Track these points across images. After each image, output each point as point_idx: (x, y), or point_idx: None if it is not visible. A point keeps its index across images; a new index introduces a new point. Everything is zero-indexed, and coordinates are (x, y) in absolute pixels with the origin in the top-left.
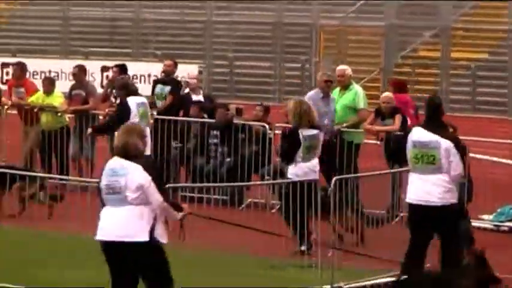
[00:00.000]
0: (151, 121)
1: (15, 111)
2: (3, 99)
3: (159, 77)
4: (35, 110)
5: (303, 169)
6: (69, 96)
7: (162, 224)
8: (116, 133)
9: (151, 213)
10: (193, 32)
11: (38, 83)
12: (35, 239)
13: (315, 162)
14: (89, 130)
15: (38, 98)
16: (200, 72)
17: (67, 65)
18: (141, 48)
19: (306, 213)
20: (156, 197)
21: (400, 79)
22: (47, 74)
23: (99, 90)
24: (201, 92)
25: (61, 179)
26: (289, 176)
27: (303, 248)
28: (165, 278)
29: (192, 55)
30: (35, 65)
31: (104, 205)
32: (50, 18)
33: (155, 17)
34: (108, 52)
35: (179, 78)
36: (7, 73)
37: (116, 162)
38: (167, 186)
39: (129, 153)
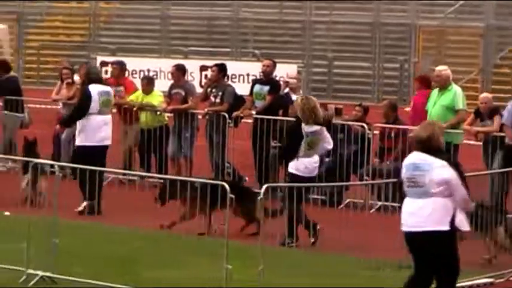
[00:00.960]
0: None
1: (114, 110)
2: None
3: (258, 76)
4: (134, 109)
5: (305, 164)
6: (169, 95)
7: (462, 212)
8: (418, 127)
9: (452, 204)
10: (293, 32)
11: (137, 82)
12: (138, 236)
13: (316, 159)
14: (57, 126)
15: (137, 97)
16: (299, 72)
17: (166, 64)
18: (240, 48)
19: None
20: (461, 191)
21: (425, 75)
22: (146, 73)
23: (198, 90)
24: (301, 91)
25: (160, 178)
26: (289, 170)
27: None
28: (456, 267)
29: (291, 55)
30: (134, 63)
31: (404, 197)
32: (150, 17)
33: (254, 17)
34: (207, 51)
35: (278, 78)
36: (106, 72)
37: (419, 157)
38: (266, 185)
39: (432, 148)
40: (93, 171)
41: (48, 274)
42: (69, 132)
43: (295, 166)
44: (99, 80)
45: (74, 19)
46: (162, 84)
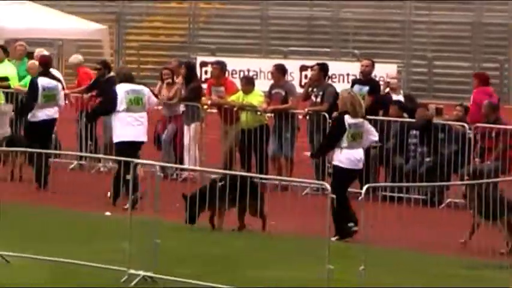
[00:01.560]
0: None
1: (215, 110)
2: (203, 98)
3: (358, 76)
4: (235, 109)
5: (348, 156)
6: (269, 95)
7: None
8: None
9: None
10: (392, 32)
11: (237, 82)
12: (240, 236)
13: (360, 152)
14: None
15: (238, 97)
16: (399, 72)
17: (266, 64)
18: (339, 48)
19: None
20: None
21: (483, 73)
22: (246, 73)
23: (299, 90)
24: (401, 91)
25: (261, 179)
26: (333, 162)
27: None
28: None
29: (390, 55)
30: (234, 64)
31: None
32: (249, 17)
33: (354, 17)
34: (306, 51)
35: (377, 78)
36: (206, 72)
37: None
38: (367, 186)
39: None
40: None
41: (149, 274)
42: (170, 132)
43: (338, 158)
44: (131, 79)
45: (173, 19)
46: (262, 84)
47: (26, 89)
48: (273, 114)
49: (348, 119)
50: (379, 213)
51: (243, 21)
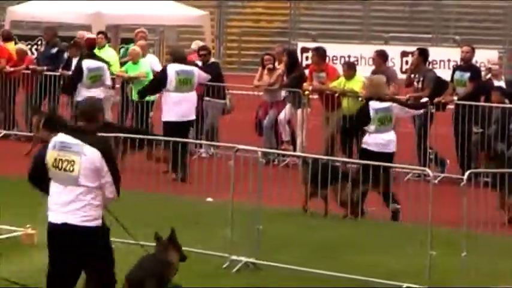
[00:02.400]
0: None
1: (316, 96)
2: (304, 84)
3: (459, 62)
4: (336, 95)
5: (376, 140)
6: None
7: None
8: None
9: None
10: (494, 18)
11: (338, 67)
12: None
13: (390, 135)
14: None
15: (339, 83)
16: (500, 58)
17: (367, 50)
18: (441, 34)
19: None
20: None
21: None
22: (347, 59)
23: (400, 76)
24: (503, 77)
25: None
26: (362, 145)
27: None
28: None
29: (492, 40)
30: (335, 50)
31: None
32: (350, 3)
33: (456, 2)
34: (407, 37)
35: (478, 64)
36: (306, 58)
37: None
38: (469, 172)
39: None
40: None
41: (252, 260)
42: (272, 118)
43: (366, 141)
44: (183, 60)
45: (275, 5)
46: (363, 70)
47: (128, 74)
48: None
49: (373, 105)
50: (481, 199)
51: (344, 7)
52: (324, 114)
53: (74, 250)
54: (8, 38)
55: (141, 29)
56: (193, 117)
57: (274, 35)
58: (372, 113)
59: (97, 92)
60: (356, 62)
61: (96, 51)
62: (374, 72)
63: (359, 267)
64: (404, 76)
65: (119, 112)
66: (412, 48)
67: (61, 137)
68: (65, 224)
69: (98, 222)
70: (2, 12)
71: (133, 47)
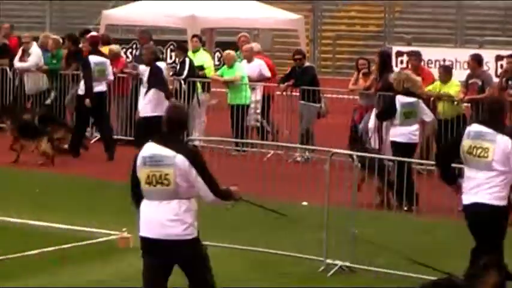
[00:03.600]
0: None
1: None
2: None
3: None
4: (432, 99)
5: (402, 131)
6: (466, 85)
7: None
8: None
9: None
10: None
11: (434, 71)
12: (442, 226)
13: (414, 128)
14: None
15: (434, 87)
16: None
17: (461, 54)
18: None
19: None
20: None
21: None
22: (441, 63)
23: (495, 80)
24: None
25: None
26: (390, 138)
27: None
28: None
29: None
30: (430, 53)
31: None
32: (445, 7)
33: None
34: (503, 41)
35: None
36: (401, 62)
37: None
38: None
39: None
40: None
41: (347, 264)
42: (367, 121)
43: (393, 133)
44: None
45: (369, 9)
46: (458, 74)
47: (223, 78)
48: (470, 104)
49: (400, 99)
50: None
51: (438, 10)
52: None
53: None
54: (107, 42)
55: (243, 33)
56: None
57: (369, 38)
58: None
59: (102, 86)
60: (451, 66)
61: (190, 54)
62: (469, 76)
63: (456, 272)
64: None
65: None
66: (506, 52)
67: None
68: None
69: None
70: (97, 16)
71: (228, 51)
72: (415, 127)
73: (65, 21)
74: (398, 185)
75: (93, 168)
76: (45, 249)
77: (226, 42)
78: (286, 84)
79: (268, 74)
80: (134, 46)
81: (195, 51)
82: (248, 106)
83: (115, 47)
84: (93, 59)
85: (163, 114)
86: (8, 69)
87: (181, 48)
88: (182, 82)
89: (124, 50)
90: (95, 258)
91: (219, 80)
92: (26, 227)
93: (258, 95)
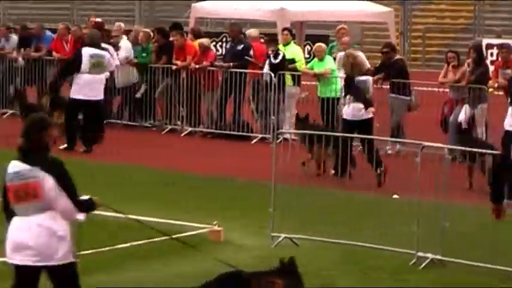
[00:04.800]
0: None
1: (501, 93)
2: (490, 81)
3: None
4: None
5: (355, 108)
6: None
7: None
8: None
9: None
10: None
11: None
12: None
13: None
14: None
15: None
16: None
17: None
18: None
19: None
20: None
21: None
22: None
23: None
24: None
25: None
26: (343, 114)
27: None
28: None
29: None
30: None
31: None
32: None
33: None
34: None
35: None
36: (491, 54)
37: None
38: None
39: None
40: None
41: (438, 257)
42: (457, 114)
43: (347, 111)
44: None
45: (459, 2)
46: None
47: (313, 71)
48: None
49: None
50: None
51: None
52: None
53: None
54: (198, 35)
55: (342, 25)
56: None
57: (458, 31)
58: None
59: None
60: None
61: (281, 47)
62: None
63: None
64: None
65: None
66: None
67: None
68: None
69: None
70: (186, 9)
71: (319, 44)
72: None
73: (155, 15)
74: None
75: (177, 160)
76: (136, 243)
77: (316, 35)
78: (376, 77)
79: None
80: (224, 39)
81: (285, 44)
82: (338, 99)
83: (205, 41)
84: (88, 51)
85: None
86: None
87: (272, 40)
88: (272, 75)
89: (214, 43)
90: (185, 251)
91: (309, 73)
92: (113, 220)
93: None
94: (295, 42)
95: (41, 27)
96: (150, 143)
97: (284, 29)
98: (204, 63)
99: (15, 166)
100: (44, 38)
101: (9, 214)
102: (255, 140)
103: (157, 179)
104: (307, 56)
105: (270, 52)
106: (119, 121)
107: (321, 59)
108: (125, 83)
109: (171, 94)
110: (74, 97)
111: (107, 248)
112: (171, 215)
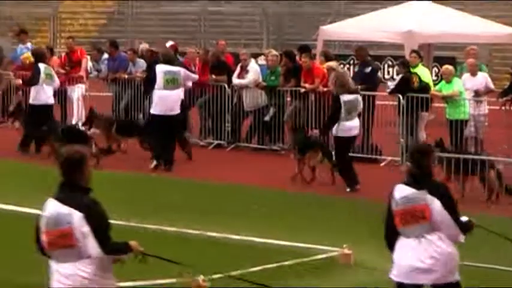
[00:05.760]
0: None
1: None
2: None
3: None
4: None
5: (346, 126)
6: None
7: None
8: None
9: None
10: None
11: None
12: None
13: (356, 121)
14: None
15: None
16: None
17: None
18: None
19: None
20: None
21: None
22: None
23: None
24: None
25: None
26: (333, 132)
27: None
28: None
29: None
30: None
31: None
32: None
33: None
34: None
35: None
36: None
37: None
38: None
39: None
40: None
41: None
42: None
43: (339, 128)
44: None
45: None
46: None
47: (441, 93)
48: None
49: (343, 98)
50: None
51: None
52: None
53: None
54: (326, 57)
55: (471, 46)
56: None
57: None
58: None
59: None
60: None
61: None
62: None
63: None
64: None
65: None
66: None
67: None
68: None
69: None
70: (314, 32)
71: (447, 66)
72: (356, 120)
73: (282, 37)
74: None
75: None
76: (267, 266)
77: (443, 57)
78: (505, 98)
79: (492, 86)
80: (351, 62)
81: (414, 66)
82: (467, 121)
83: (333, 63)
84: (162, 68)
85: None
86: (226, 86)
87: (404, 63)
88: (401, 97)
89: (341, 65)
90: (317, 274)
91: (438, 96)
92: (241, 243)
93: (485, 109)
94: (423, 65)
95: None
96: (279, 166)
97: (412, 51)
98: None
99: (403, 190)
100: None
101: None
102: (383, 163)
103: (285, 201)
104: (434, 78)
105: (395, 76)
106: (248, 144)
107: (449, 81)
108: (254, 106)
109: (299, 117)
110: (152, 113)
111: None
112: (299, 237)
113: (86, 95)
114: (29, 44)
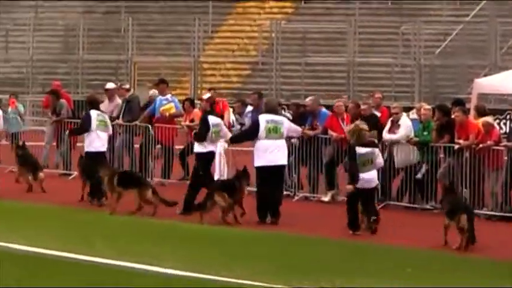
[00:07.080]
0: None
1: None
2: None
3: None
4: None
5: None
6: None
7: None
8: None
9: None
10: None
11: None
12: None
13: (373, 174)
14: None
15: None
16: None
17: None
18: None
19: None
20: None
21: None
22: None
23: None
24: None
25: None
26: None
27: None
28: None
29: None
30: None
31: None
32: None
33: None
34: None
35: None
36: None
37: None
38: None
39: None
40: None
41: None
42: None
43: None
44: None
45: None
46: None
47: None
48: None
49: (358, 150)
50: None
51: None
52: None
53: None
54: (481, 112)
55: None
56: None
57: None
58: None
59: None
60: None
61: None
62: None
63: None
64: None
65: None
66: None
67: None
68: None
69: None
70: (469, 85)
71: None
72: (373, 173)
73: (435, 91)
74: None
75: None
76: None
77: None
78: None
79: None
80: (508, 117)
81: None
82: None
83: (489, 118)
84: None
85: None
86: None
87: None
88: None
89: (497, 120)
90: None
91: None
92: None
93: None
94: None
95: (317, 103)
96: (431, 226)
97: None
98: (488, 142)
99: None
100: (320, 115)
101: None
102: None
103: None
104: None
105: None
106: (399, 203)
107: None
108: (405, 163)
109: (453, 175)
110: (257, 165)
111: None
112: None
113: (228, 149)
114: (168, 96)
